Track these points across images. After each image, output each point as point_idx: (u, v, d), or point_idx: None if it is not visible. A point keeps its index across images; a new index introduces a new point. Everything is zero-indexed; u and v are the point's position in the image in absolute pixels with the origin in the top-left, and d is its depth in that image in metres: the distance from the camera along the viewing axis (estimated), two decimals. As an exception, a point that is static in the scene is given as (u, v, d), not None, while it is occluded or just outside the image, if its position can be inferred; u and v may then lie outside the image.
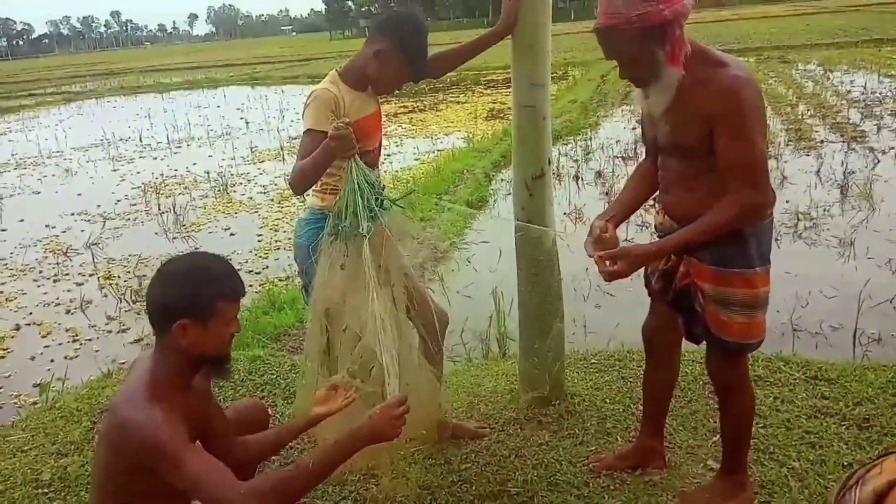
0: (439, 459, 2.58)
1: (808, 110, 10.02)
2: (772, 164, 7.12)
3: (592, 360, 3.28)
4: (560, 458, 2.52)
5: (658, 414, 2.41)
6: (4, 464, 2.84)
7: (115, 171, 10.38)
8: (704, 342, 2.11)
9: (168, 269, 1.72)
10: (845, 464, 2.30)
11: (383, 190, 2.21)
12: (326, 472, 1.67)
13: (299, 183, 2.16)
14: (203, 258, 1.77)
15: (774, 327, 3.90)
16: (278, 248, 6.28)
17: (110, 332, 4.76)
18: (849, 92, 11.32)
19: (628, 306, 2.37)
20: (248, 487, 1.55)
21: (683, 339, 2.26)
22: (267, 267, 5.89)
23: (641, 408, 2.74)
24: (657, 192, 2.17)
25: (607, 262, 1.89)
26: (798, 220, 5.54)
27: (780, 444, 2.45)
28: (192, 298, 1.65)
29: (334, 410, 2.01)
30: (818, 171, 6.85)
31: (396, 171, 8.64)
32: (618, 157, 8.14)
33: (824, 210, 5.74)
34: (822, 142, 8.13)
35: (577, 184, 7.34)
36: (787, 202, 5.94)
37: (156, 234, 6.95)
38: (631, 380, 3.03)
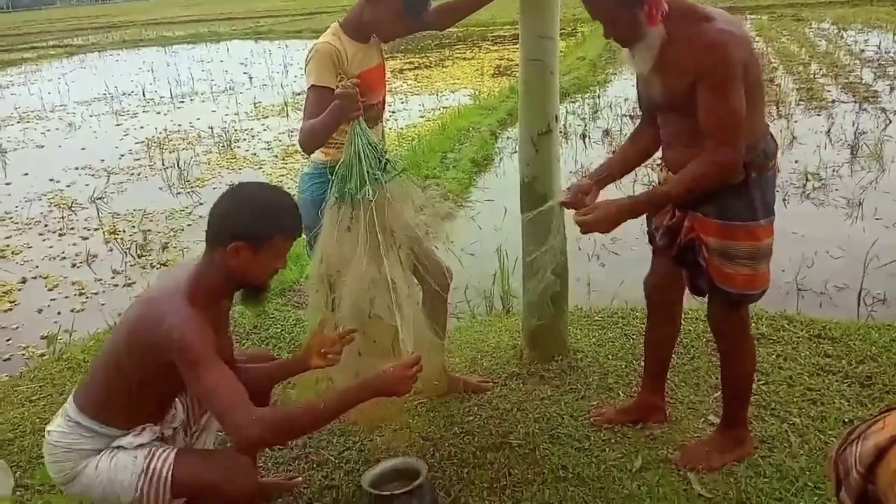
0: (442, 412, 2.61)
1: (821, 69, 9.85)
2: (782, 123, 7.03)
3: (596, 318, 3.29)
4: (562, 412, 2.54)
5: (659, 370, 2.42)
6: (14, 413, 2.88)
7: (118, 125, 10.31)
8: (707, 297, 2.11)
9: (240, 191, 1.78)
10: (846, 420, 2.31)
11: (385, 153, 2.17)
12: (333, 416, 1.73)
13: (309, 143, 2.15)
14: (275, 191, 1.84)
15: (779, 287, 3.89)
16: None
17: (116, 285, 4.79)
18: (862, 51, 11.10)
19: (633, 265, 2.36)
20: (259, 413, 1.59)
21: (685, 296, 2.27)
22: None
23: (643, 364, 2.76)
24: (655, 154, 2.18)
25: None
26: (807, 180, 5.49)
27: (782, 400, 2.47)
28: (255, 225, 1.71)
29: (327, 365, 2.03)
30: (829, 131, 6.76)
31: (402, 129, 8.56)
32: (626, 116, 8.04)
33: (833, 171, 5.68)
34: (833, 102, 8.00)
35: (584, 142, 7.26)
36: (795, 162, 5.87)
37: (160, 189, 6.93)
38: (634, 336, 3.05)
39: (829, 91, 8.53)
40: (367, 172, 2.00)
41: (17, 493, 2.36)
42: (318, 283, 2.14)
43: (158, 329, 1.64)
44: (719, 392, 2.54)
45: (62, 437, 1.76)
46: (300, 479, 2.31)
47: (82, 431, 1.75)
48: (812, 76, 9.41)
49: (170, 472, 1.72)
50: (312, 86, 2.20)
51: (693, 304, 3.46)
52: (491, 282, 4.20)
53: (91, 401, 1.77)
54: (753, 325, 2.95)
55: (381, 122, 2.41)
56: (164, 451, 1.76)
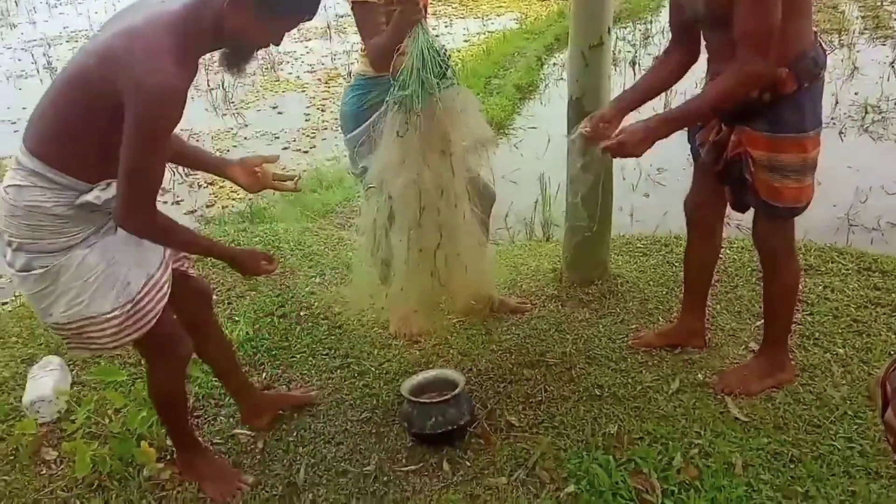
0: (480, 330, 2.64)
1: (890, -3, 9.27)
2: (844, 52, 6.70)
3: (638, 245, 3.26)
4: (599, 334, 2.55)
5: (699, 292, 2.40)
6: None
7: (163, 46, 10.33)
8: (751, 214, 2.08)
9: None
10: (892, 352, 2.27)
11: (449, 58, 2.13)
12: (198, 252, 1.90)
13: (380, 59, 2.11)
14: None
15: (830, 221, 3.80)
16: (325, 129, 6.26)
17: (165, 202, 4.88)
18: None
19: (678, 196, 2.30)
20: (153, 218, 1.62)
21: (730, 225, 2.23)
22: (314, 146, 5.90)
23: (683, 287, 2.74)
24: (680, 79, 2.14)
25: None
26: (866, 112, 5.26)
27: (826, 331, 2.44)
28: None
29: (246, 185, 2.02)
30: (893, 62, 6.42)
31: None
32: (678, 44, 7.74)
33: (895, 103, 5.41)
34: (901, 31, 7.57)
35: (634, 69, 7.04)
36: (855, 94, 5.62)
37: (206, 110, 6.97)
38: (676, 264, 3.00)
39: (897, 20, 8.06)
40: (427, 78, 1.96)
41: (75, 388, 2.49)
42: (374, 189, 2.15)
43: (130, 75, 1.47)
44: (762, 321, 2.52)
45: (19, 194, 1.59)
46: (315, 392, 2.36)
47: (41, 182, 1.58)
48: (879, 3, 8.86)
49: (154, 319, 1.75)
50: (353, 3, 2.16)
51: (738, 234, 3.40)
52: (532, 210, 4.18)
53: (44, 145, 1.59)
54: (802, 256, 2.90)
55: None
56: (159, 291, 1.76)
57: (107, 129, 1.54)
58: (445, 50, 2.04)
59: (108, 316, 1.70)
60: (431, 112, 1.97)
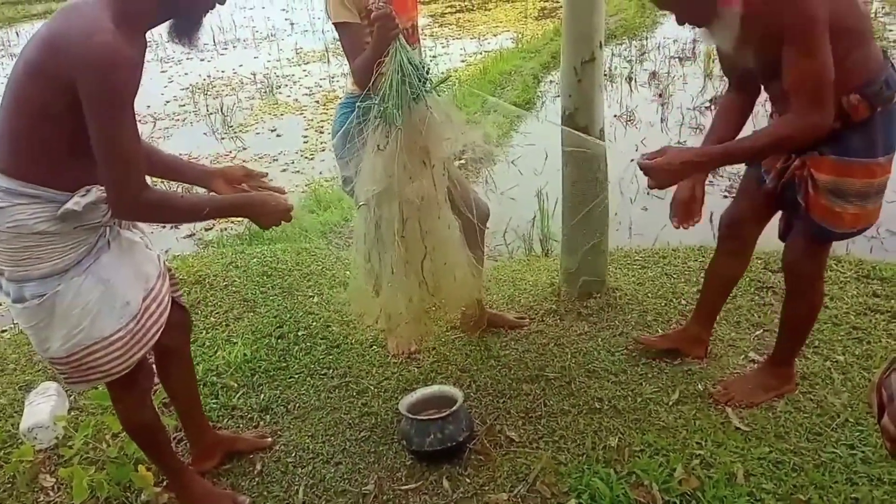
0: (479, 346, 2.63)
1: None
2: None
3: (636, 258, 3.25)
4: (598, 347, 2.54)
5: (714, 305, 2.38)
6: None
7: (163, 72, 10.40)
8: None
9: None
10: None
11: (428, 72, 2.15)
12: (205, 218, 1.75)
13: (363, 77, 2.10)
14: None
15: (828, 229, 3.79)
16: (323, 150, 6.29)
17: (164, 227, 4.90)
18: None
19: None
20: (147, 192, 1.56)
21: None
22: (313, 168, 5.93)
23: (685, 302, 2.74)
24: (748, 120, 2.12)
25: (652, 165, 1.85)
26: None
27: (826, 339, 2.42)
28: None
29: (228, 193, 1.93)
30: None
31: (442, 73, 8.44)
32: (674, 58, 7.79)
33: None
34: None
35: (630, 85, 7.08)
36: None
37: (204, 134, 7.02)
38: (674, 276, 3.01)
39: None
40: (407, 90, 1.97)
41: (72, 413, 2.48)
42: (362, 211, 2.16)
43: (75, 52, 1.43)
44: (761, 330, 2.52)
45: (1, 216, 1.54)
46: (270, 439, 2.26)
47: (19, 199, 1.53)
48: None
49: (158, 333, 1.73)
50: (338, 24, 2.19)
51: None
52: (530, 225, 4.18)
53: (13, 161, 1.54)
54: (799, 264, 2.89)
55: (418, 45, 2.36)
56: (160, 305, 1.75)
57: (72, 125, 1.49)
58: (425, 63, 2.05)
59: (113, 338, 1.66)
60: (411, 125, 1.99)
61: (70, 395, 2.58)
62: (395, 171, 1.98)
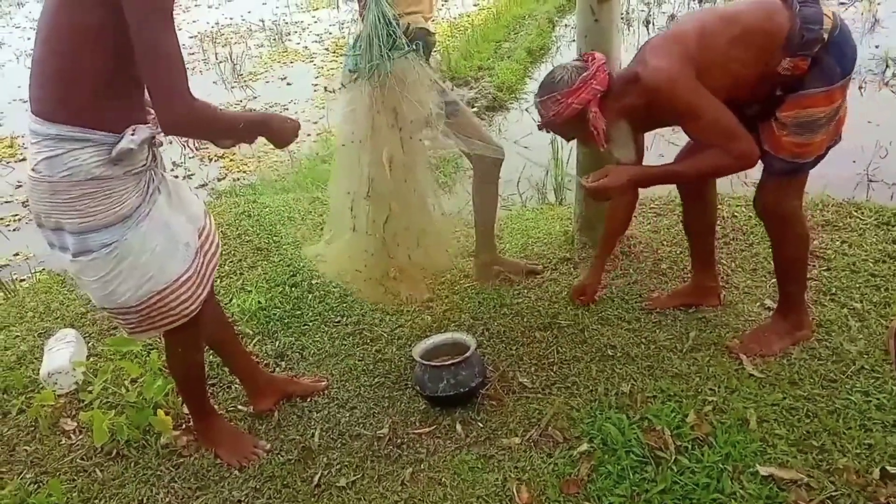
0: (492, 294, 2.63)
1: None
2: (864, 5, 6.50)
3: (652, 205, 3.21)
4: (612, 296, 2.53)
5: (704, 251, 2.38)
6: (85, 290, 3.03)
7: (171, 20, 10.27)
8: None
9: None
10: (910, 306, 2.24)
11: (407, 29, 2.07)
12: (239, 133, 1.71)
13: None
14: None
15: (849, 176, 3.72)
16: (334, 99, 6.21)
17: (176, 177, 4.88)
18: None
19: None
20: (196, 104, 1.52)
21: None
22: (323, 116, 5.87)
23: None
24: None
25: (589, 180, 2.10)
26: (887, 66, 5.12)
27: (843, 286, 2.39)
28: None
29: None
30: (917, 13, 6.23)
31: (454, 19, 8.27)
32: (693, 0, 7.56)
33: (918, 56, 5.26)
34: (924, -19, 7.32)
35: (648, 29, 6.89)
36: (876, 47, 5.46)
37: (214, 82, 6.95)
38: (690, 223, 2.97)
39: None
40: (379, 48, 1.92)
41: (91, 359, 2.52)
42: (340, 158, 2.16)
43: None
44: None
45: (52, 166, 1.52)
46: (325, 382, 2.29)
47: (71, 145, 1.51)
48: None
49: (216, 268, 1.76)
50: None
51: (749, 191, 3.34)
52: (544, 174, 4.13)
53: (59, 106, 1.52)
54: (819, 211, 2.85)
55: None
56: (213, 242, 1.80)
57: (113, 47, 1.47)
58: (398, 20, 1.98)
59: (182, 280, 1.69)
60: (381, 84, 1.94)
61: (88, 342, 2.62)
62: (364, 131, 1.97)
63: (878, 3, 6.61)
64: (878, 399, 1.91)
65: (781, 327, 2.18)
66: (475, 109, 5.32)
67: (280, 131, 1.79)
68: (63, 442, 2.19)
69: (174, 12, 1.49)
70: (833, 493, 1.67)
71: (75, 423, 2.25)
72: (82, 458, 2.12)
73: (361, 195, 2.09)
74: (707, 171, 2.02)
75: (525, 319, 2.47)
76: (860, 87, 4.88)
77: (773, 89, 1.90)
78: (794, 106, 1.89)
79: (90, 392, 2.27)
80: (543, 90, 2.05)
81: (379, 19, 1.93)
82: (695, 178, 2.13)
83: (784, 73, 1.86)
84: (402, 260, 2.20)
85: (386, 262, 2.20)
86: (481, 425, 2.05)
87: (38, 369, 2.43)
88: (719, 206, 3.03)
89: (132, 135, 1.54)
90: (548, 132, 2.17)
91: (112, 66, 1.50)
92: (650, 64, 1.91)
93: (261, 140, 1.82)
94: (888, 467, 1.71)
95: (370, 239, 2.14)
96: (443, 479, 1.89)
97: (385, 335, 2.49)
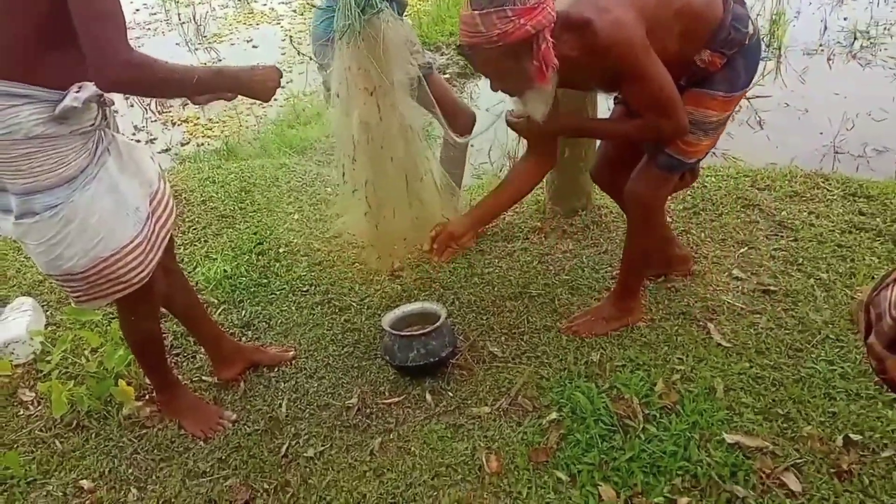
0: (462, 264, 2.61)
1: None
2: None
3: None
4: (583, 265, 2.52)
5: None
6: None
7: (131, -22, 9.91)
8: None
9: None
10: (875, 276, 2.27)
11: None
12: (196, 90, 1.64)
13: None
14: None
15: (816, 148, 3.76)
16: (301, 63, 6.06)
17: (138, 141, 4.75)
18: None
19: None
20: (133, 57, 1.41)
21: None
22: (291, 81, 5.71)
23: (670, 219, 2.71)
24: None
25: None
26: (854, 38, 5.16)
27: (810, 256, 2.42)
28: None
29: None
30: (884, -14, 6.27)
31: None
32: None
33: (885, 28, 5.30)
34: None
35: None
36: (844, 19, 5.50)
37: (177, 44, 6.72)
38: (661, 193, 2.97)
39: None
40: (351, 6, 1.85)
41: (49, 328, 2.45)
42: (337, 115, 2.09)
43: None
44: (745, 248, 2.51)
45: None
46: (293, 352, 2.25)
47: (11, 101, 1.43)
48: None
49: (168, 235, 1.70)
50: None
51: (723, 163, 3.36)
52: (515, 142, 4.10)
53: None
54: (787, 182, 2.87)
55: None
56: (167, 207, 1.73)
57: (52, 9, 1.38)
58: None
59: (131, 245, 1.62)
60: (355, 45, 1.89)
61: (46, 311, 2.54)
62: (344, 94, 1.92)
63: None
64: (842, 368, 1.95)
65: (611, 313, 2.20)
66: (447, 76, 5.24)
67: (252, 84, 1.68)
68: (21, 413, 2.13)
69: None
70: (797, 461, 1.70)
71: (33, 394, 2.19)
72: (41, 430, 2.06)
73: (350, 160, 2.04)
74: (637, 135, 1.95)
75: (496, 289, 2.45)
76: (829, 60, 4.92)
77: (679, 78, 1.86)
78: (693, 101, 1.89)
79: (48, 362, 2.20)
80: (490, 1, 1.61)
81: None
82: (622, 138, 2.07)
83: (699, 64, 1.85)
84: (383, 227, 2.16)
85: (368, 223, 2.16)
86: (451, 395, 2.04)
87: (-6, 339, 2.35)
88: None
89: (77, 92, 1.47)
90: (471, 63, 1.82)
91: (50, 16, 1.40)
92: (611, 14, 1.69)
93: (229, 103, 1.74)
94: (851, 435, 1.74)
95: (351, 199, 2.10)
96: (412, 449, 1.88)
97: (354, 305, 2.46)
